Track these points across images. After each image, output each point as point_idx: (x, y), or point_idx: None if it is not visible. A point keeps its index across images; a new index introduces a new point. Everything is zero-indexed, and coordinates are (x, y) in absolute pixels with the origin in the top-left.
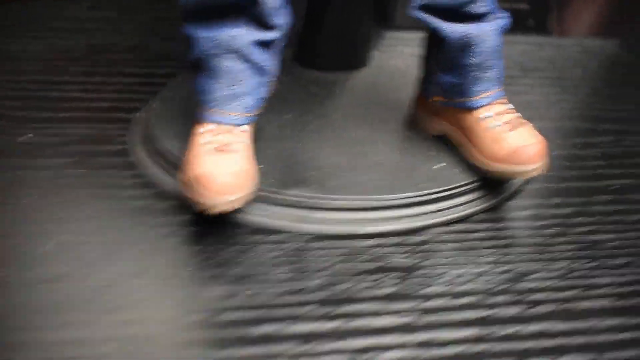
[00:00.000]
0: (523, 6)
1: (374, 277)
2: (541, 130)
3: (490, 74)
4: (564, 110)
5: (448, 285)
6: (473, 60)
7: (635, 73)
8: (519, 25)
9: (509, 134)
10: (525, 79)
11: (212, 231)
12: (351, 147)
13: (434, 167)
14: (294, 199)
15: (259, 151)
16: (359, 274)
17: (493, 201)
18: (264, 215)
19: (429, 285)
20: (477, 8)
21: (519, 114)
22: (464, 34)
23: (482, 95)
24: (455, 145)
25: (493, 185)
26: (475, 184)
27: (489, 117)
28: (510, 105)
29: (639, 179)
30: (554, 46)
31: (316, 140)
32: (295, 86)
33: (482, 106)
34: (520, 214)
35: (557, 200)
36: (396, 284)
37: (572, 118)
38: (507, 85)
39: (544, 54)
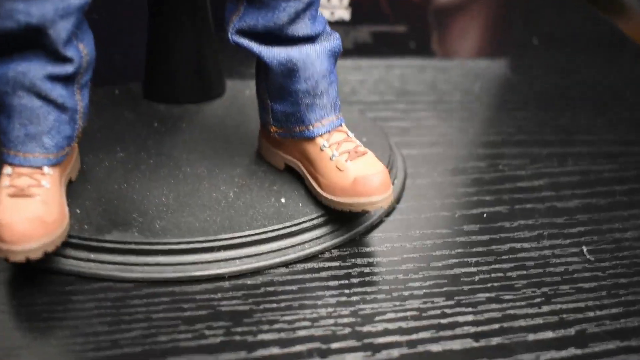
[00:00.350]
0: (401, 28)
1: (200, 325)
2: (408, 158)
3: (324, 101)
4: (437, 136)
5: (280, 332)
6: (301, 86)
7: (518, 94)
8: (398, 48)
9: (348, 165)
10: (399, 104)
11: (25, 280)
12: (186, 185)
13: (276, 202)
14: (113, 244)
15: (79, 194)
16: (184, 323)
17: (344, 236)
18: (83, 263)
19: (259, 333)
20: (299, 30)
21: (358, 143)
22: (286, 58)
23: (318, 124)
24: (302, 178)
25: (345, 219)
26: (322, 219)
27: (327, 147)
28: (350, 134)
29: (512, 206)
30: (435, 69)
31: (147, 180)
32: (136, 122)
33: (319, 135)
34: (374, 249)
35: (418, 232)
36: (224, 333)
37: (444, 144)
38: (377, 112)
39: (424, 77)
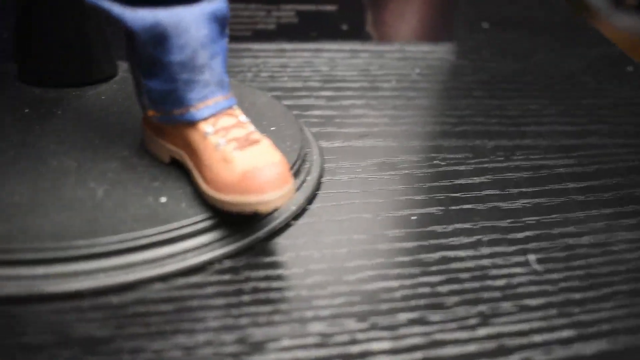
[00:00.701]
0: (331, 8)
1: (39, 356)
2: (328, 152)
3: (206, 77)
4: (365, 126)
5: None
6: (174, 57)
7: (461, 80)
8: (327, 30)
9: (236, 155)
10: (325, 91)
11: None
12: (46, 181)
13: (154, 202)
14: None
15: None
16: (20, 351)
17: (238, 244)
18: None
19: None
20: None
21: (253, 129)
22: (152, 22)
23: (200, 105)
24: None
25: (241, 223)
26: (211, 222)
27: (211, 133)
28: (243, 117)
29: (447, 207)
30: (369, 53)
31: (3, 174)
32: (6, 108)
33: (203, 119)
34: (275, 259)
35: (330, 238)
36: None
37: (373, 135)
38: (296, 99)
39: (356, 62)
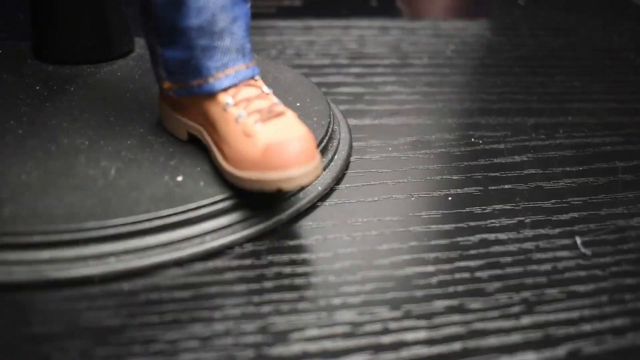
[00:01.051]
0: None
1: (47, 347)
2: (357, 129)
3: (227, 43)
4: (397, 104)
5: (155, 357)
6: (192, 21)
7: (499, 57)
8: (356, 7)
9: (258, 128)
10: (353, 68)
11: None
12: (57, 160)
13: (171, 181)
14: None
15: None
16: (28, 342)
17: (261, 226)
18: None
19: (127, 358)
20: None
21: (276, 100)
22: None
23: (220, 74)
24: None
25: (264, 203)
26: (231, 202)
27: (231, 105)
28: (266, 89)
29: (486, 187)
30: (400, 30)
31: (10, 154)
32: (15, 86)
33: (223, 90)
34: (301, 242)
35: (360, 220)
36: (79, 356)
37: (405, 113)
38: (324, 76)
39: (386, 39)
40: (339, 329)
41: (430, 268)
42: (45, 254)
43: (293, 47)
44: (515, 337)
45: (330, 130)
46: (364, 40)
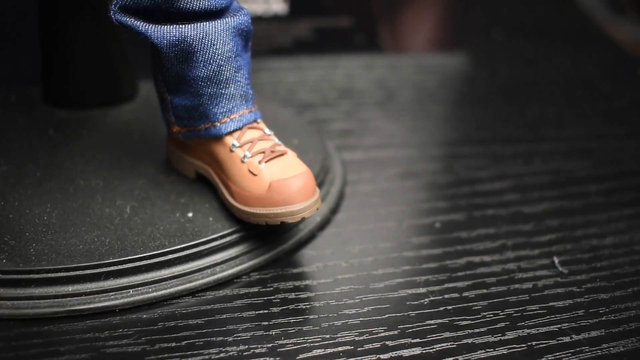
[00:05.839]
0: (345, 22)
1: None
2: (350, 163)
3: (231, 91)
4: (385, 137)
5: None
6: (199, 72)
7: (478, 88)
8: (342, 44)
9: (262, 168)
10: (343, 105)
11: None
12: (75, 201)
13: (182, 217)
14: None
15: None
16: None
17: (266, 256)
18: None
19: None
20: (193, 3)
21: (277, 142)
22: (178, 38)
23: (226, 119)
24: (216, 188)
25: (268, 235)
26: (238, 236)
27: (237, 147)
28: (267, 130)
29: (470, 212)
30: (385, 65)
31: (30, 196)
32: (29, 130)
33: (229, 133)
34: (303, 270)
35: (357, 247)
36: None
37: (393, 145)
38: (316, 113)
39: (372, 74)
40: (342, 348)
41: (422, 290)
42: (69, 288)
43: (284, 86)
44: (501, 350)
45: (325, 165)
46: (350, 77)
